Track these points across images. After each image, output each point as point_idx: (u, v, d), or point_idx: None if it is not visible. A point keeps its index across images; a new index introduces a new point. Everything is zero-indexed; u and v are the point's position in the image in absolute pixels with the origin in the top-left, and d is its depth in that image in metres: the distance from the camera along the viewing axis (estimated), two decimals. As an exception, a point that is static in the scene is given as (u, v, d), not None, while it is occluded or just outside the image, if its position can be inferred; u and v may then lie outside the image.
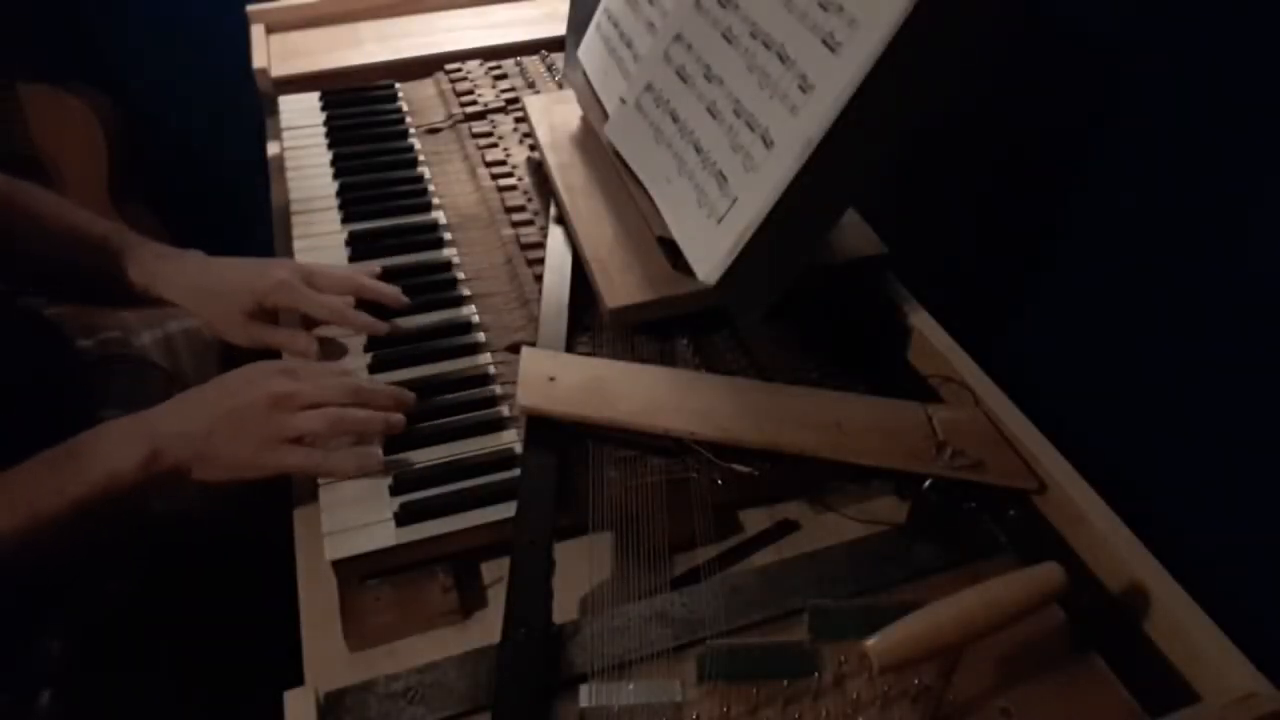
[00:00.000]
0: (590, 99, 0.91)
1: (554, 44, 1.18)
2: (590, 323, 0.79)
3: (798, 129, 0.64)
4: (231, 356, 0.72)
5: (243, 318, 0.82)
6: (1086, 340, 0.88)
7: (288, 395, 0.68)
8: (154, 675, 0.85)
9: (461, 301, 0.84)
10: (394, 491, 0.66)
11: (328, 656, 0.62)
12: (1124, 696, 0.57)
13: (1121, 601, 0.60)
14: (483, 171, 0.99)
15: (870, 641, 0.49)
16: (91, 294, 0.95)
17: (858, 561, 0.64)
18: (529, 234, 0.89)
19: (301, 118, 1.08)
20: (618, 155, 0.83)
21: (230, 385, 0.70)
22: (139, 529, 0.83)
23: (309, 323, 0.81)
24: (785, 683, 0.57)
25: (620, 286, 0.76)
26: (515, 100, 1.08)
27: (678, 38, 0.77)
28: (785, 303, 0.66)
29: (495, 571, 0.66)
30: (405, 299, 0.82)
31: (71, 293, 0.96)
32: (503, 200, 0.94)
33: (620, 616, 0.60)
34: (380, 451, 0.69)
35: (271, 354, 0.78)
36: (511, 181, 0.97)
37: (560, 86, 1.10)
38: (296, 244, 0.90)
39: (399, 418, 0.70)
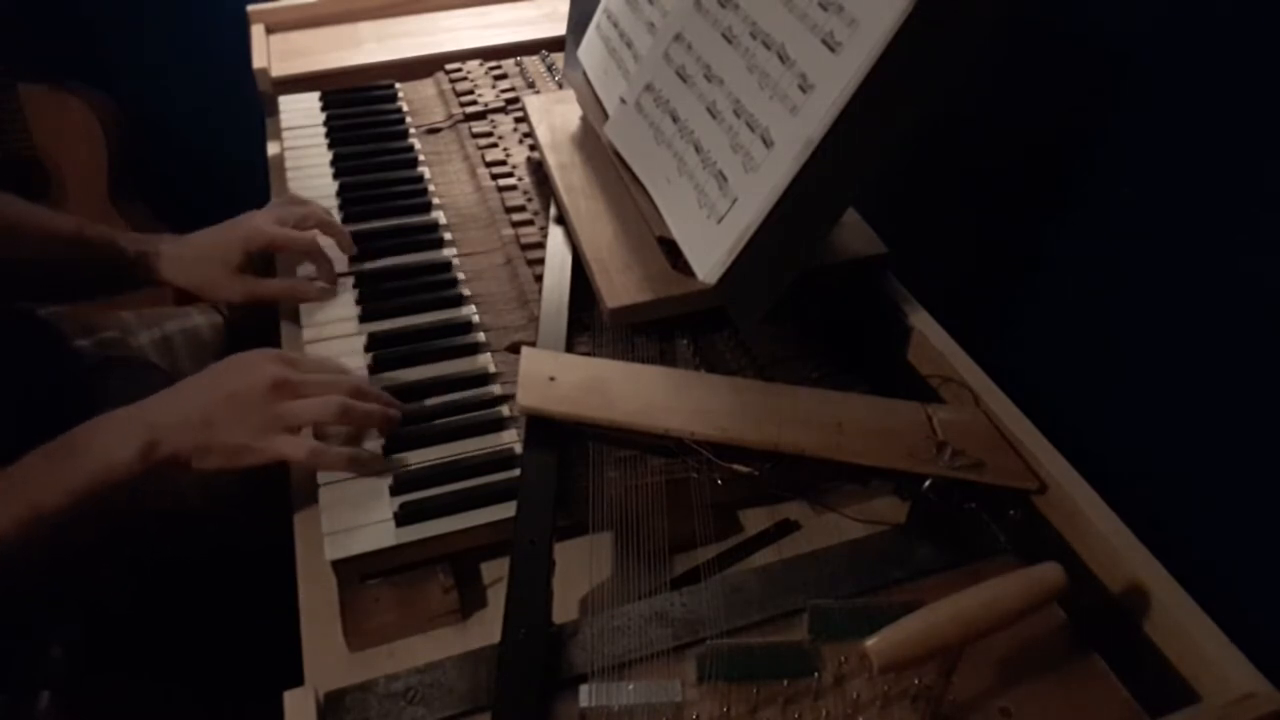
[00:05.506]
0: (590, 99, 0.91)
1: (554, 44, 1.18)
2: (590, 323, 0.79)
3: (798, 129, 0.64)
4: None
5: (233, 274, 0.85)
6: (1087, 340, 0.88)
7: (288, 383, 0.67)
8: (153, 676, 0.85)
9: (461, 301, 0.84)
10: (394, 491, 0.66)
11: (328, 656, 0.62)
12: (1124, 696, 0.57)
13: (1121, 601, 0.60)
14: (483, 171, 0.99)
15: (870, 641, 0.49)
16: (69, 291, 0.95)
17: (858, 561, 0.64)
18: (529, 234, 0.89)
19: (301, 118, 1.08)
20: (618, 155, 0.83)
21: (228, 371, 0.69)
22: (138, 530, 0.82)
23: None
24: (785, 683, 0.56)
25: (620, 286, 0.76)
26: (515, 100, 1.08)
27: (678, 38, 0.77)
28: (785, 303, 0.66)
29: (495, 571, 0.66)
30: (353, 248, 0.88)
31: (49, 292, 0.95)
32: (503, 200, 0.94)
33: (620, 616, 0.60)
34: (380, 449, 0.69)
35: (261, 341, 0.77)
36: (511, 181, 0.97)
37: (560, 86, 1.10)
38: (296, 244, 0.90)
39: (396, 413, 0.70)
